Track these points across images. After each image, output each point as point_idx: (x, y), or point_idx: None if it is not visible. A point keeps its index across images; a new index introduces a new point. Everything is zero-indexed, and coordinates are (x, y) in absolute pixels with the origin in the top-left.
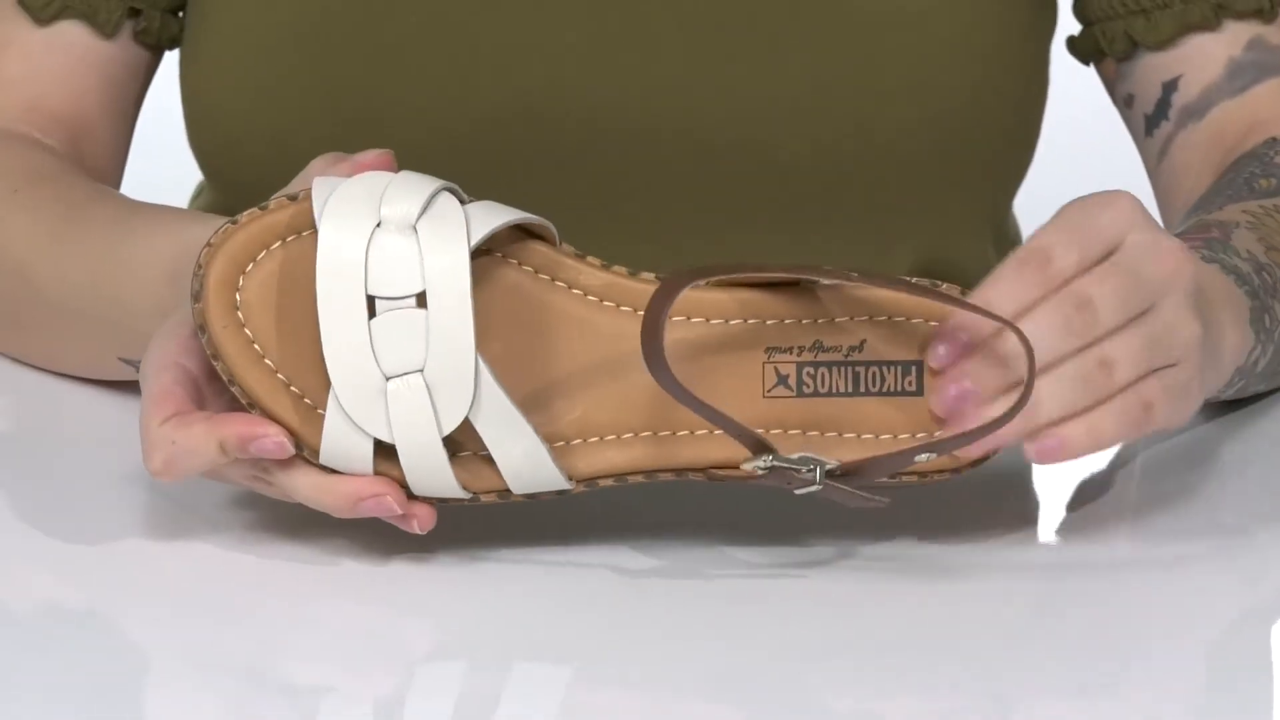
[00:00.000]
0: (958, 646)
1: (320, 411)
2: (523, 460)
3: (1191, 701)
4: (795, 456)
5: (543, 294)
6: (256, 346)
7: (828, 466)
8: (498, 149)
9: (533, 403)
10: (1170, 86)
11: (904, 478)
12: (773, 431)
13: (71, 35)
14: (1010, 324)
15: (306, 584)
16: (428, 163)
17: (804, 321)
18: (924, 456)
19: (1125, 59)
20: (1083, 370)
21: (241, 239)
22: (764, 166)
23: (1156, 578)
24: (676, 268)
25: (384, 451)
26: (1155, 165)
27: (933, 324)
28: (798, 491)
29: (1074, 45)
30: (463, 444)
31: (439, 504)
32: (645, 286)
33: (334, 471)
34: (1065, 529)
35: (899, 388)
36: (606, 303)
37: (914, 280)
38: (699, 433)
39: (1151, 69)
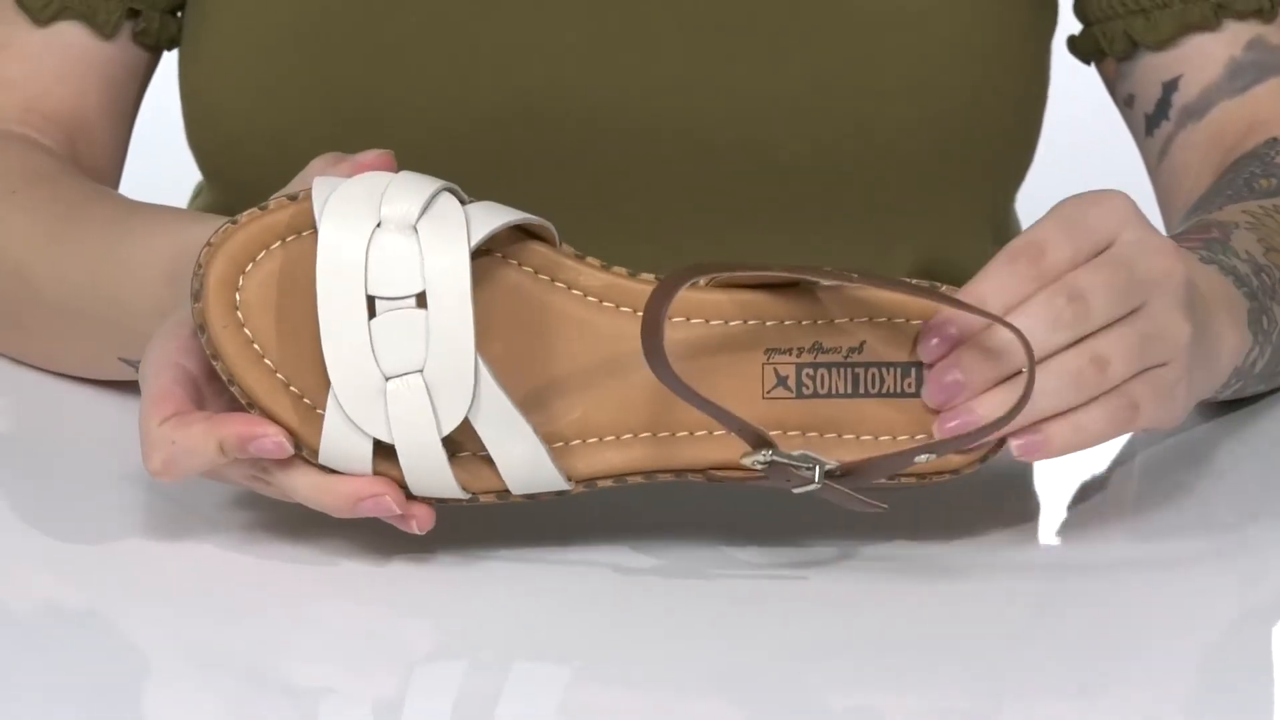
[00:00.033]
0: (958, 646)
1: (319, 411)
2: (522, 461)
3: (1191, 701)
4: (795, 454)
5: (542, 295)
6: (256, 346)
7: (827, 466)
8: (498, 149)
9: (532, 403)
10: (1170, 86)
11: (902, 479)
12: (772, 433)
13: (70, 36)
14: (1012, 326)
15: (306, 584)
16: (428, 163)
17: (803, 323)
18: (923, 457)
19: (1125, 59)
20: (1076, 367)
21: (241, 239)
22: (764, 166)
23: (1156, 578)
24: (676, 267)
25: (383, 451)
26: (1156, 165)
27: None
28: (796, 491)
29: (1074, 45)
30: (462, 444)
31: (437, 504)
32: (645, 287)
33: (333, 471)
34: (1065, 529)
35: (898, 389)
36: (606, 303)
37: (914, 281)
38: (698, 433)
39: (1151, 69)
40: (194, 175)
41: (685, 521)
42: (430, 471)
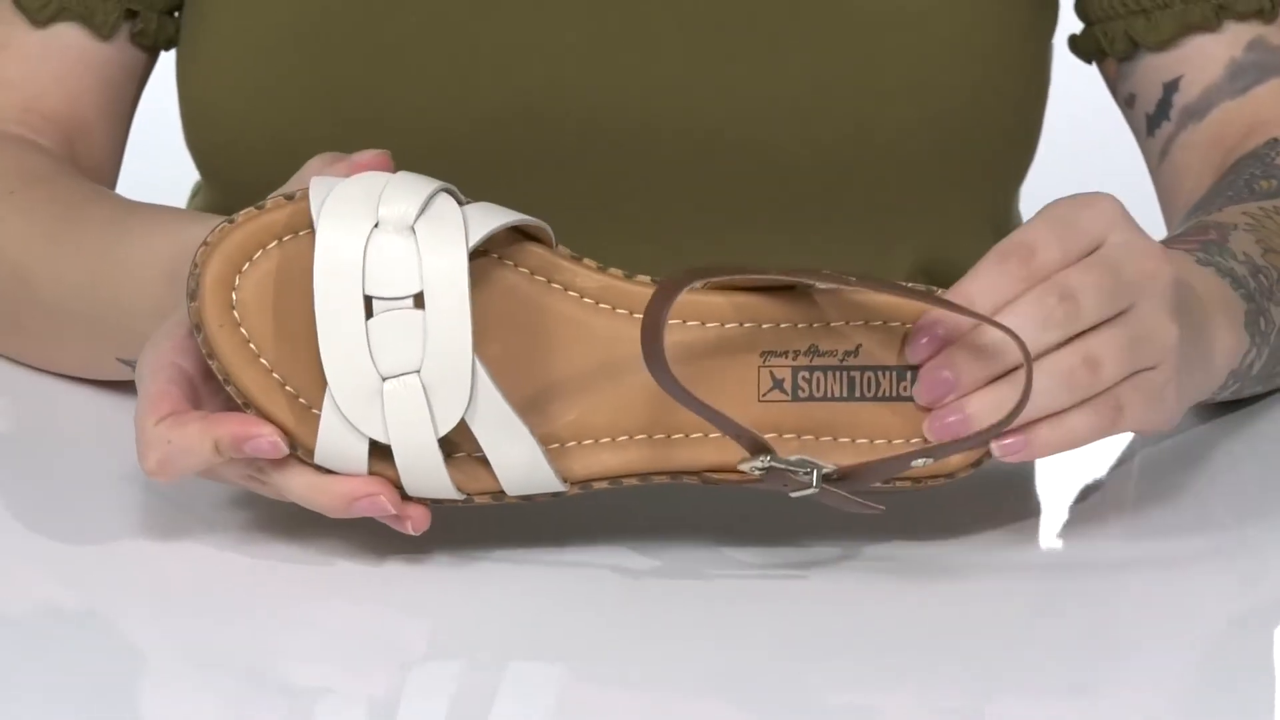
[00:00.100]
0: (957, 646)
1: (315, 411)
2: (518, 462)
3: (1190, 701)
4: (792, 459)
5: (539, 296)
6: (252, 346)
7: (824, 470)
8: (498, 149)
9: (528, 405)
10: (1171, 87)
11: (898, 483)
12: (767, 435)
13: (68, 37)
14: (1009, 330)
15: (303, 584)
16: (427, 163)
17: (799, 325)
18: (920, 462)
19: (1126, 59)
20: (1068, 367)
21: (238, 238)
22: (764, 166)
23: (1155, 578)
24: (675, 269)
25: (379, 452)
26: (1157, 165)
27: None
28: (793, 495)
29: (1075, 44)
30: (458, 445)
31: (432, 505)
32: (641, 289)
33: (328, 471)
34: (1064, 529)
35: (894, 393)
36: (602, 305)
37: (910, 285)
38: (694, 436)
39: (1152, 69)
40: (192, 175)
41: (682, 522)
42: (426, 472)
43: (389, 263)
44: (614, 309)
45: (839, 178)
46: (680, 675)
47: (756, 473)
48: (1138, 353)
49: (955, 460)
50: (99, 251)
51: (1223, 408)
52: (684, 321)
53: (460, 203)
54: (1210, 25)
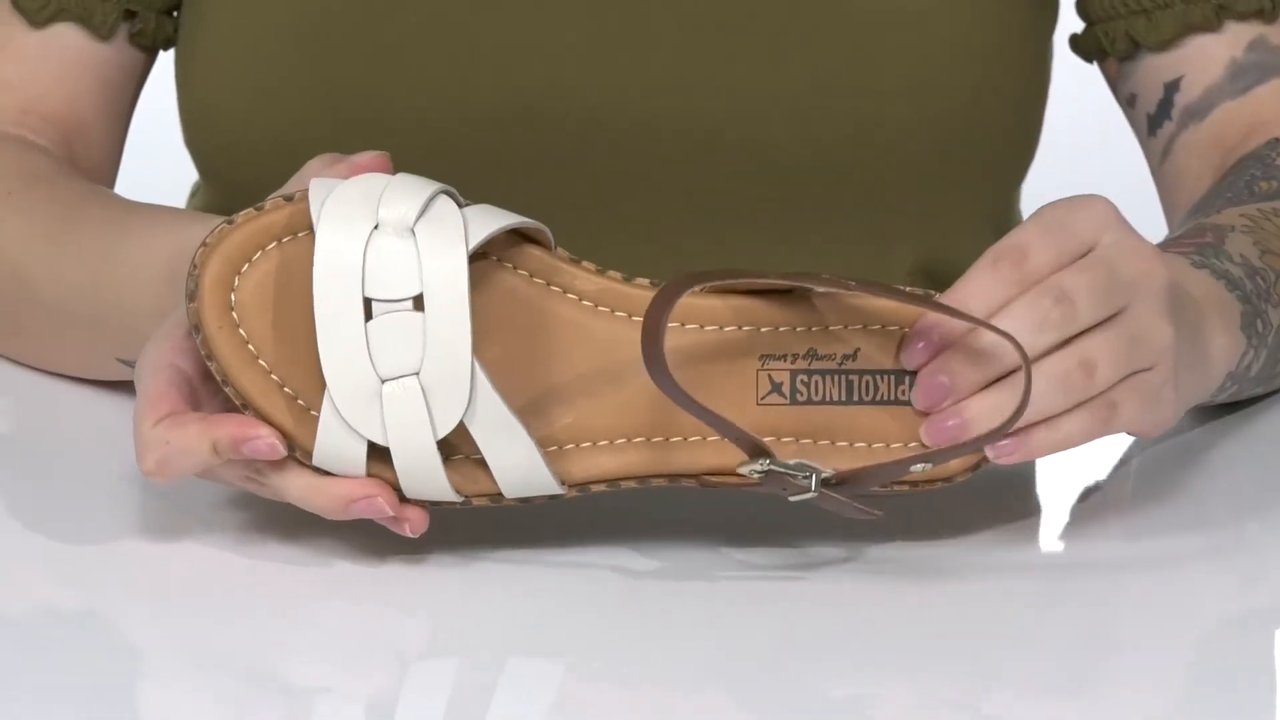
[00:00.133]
0: (957, 646)
1: (314, 413)
2: (517, 465)
3: (1190, 700)
4: (791, 463)
5: (538, 299)
6: (251, 347)
7: (823, 475)
8: (497, 149)
9: (527, 407)
10: (1172, 87)
11: (896, 487)
12: (766, 439)
13: (67, 38)
14: (1008, 335)
15: (302, 584)
16: (427, 163)
17: (798, 329)
18: (919, 467)
19: (1127, 59)
20: (1064, 369)
21: (237, 239)
22: (764, 166)
23: (1155, 578)
24: (675, 271)
25: (377, 454)
26: (1158, 165)
27: None
28: (792, 499)
29: (1076, 43)
30: (456, 447)
31: (430, 507)
32: (639, 292)
33: (327, 473)
34: (1064, 529)
35: (892, 396)
36: (601, 308)
37: (909, 290)
38: (692, 439)
39: (1153, 69)
40: (191, 175)
41: (683, 523)
42: (425, 475)
43: (389, 265)
44: (613, 311)
45: (839, 178)
46: (680, 674)
47: (755, 476)
48: (1133, 354)
49: (953, 464)
50: (99, 252)
51: (1220, 408)
52: (683, 325)
53: (460, 205)
54: (1211, 25)
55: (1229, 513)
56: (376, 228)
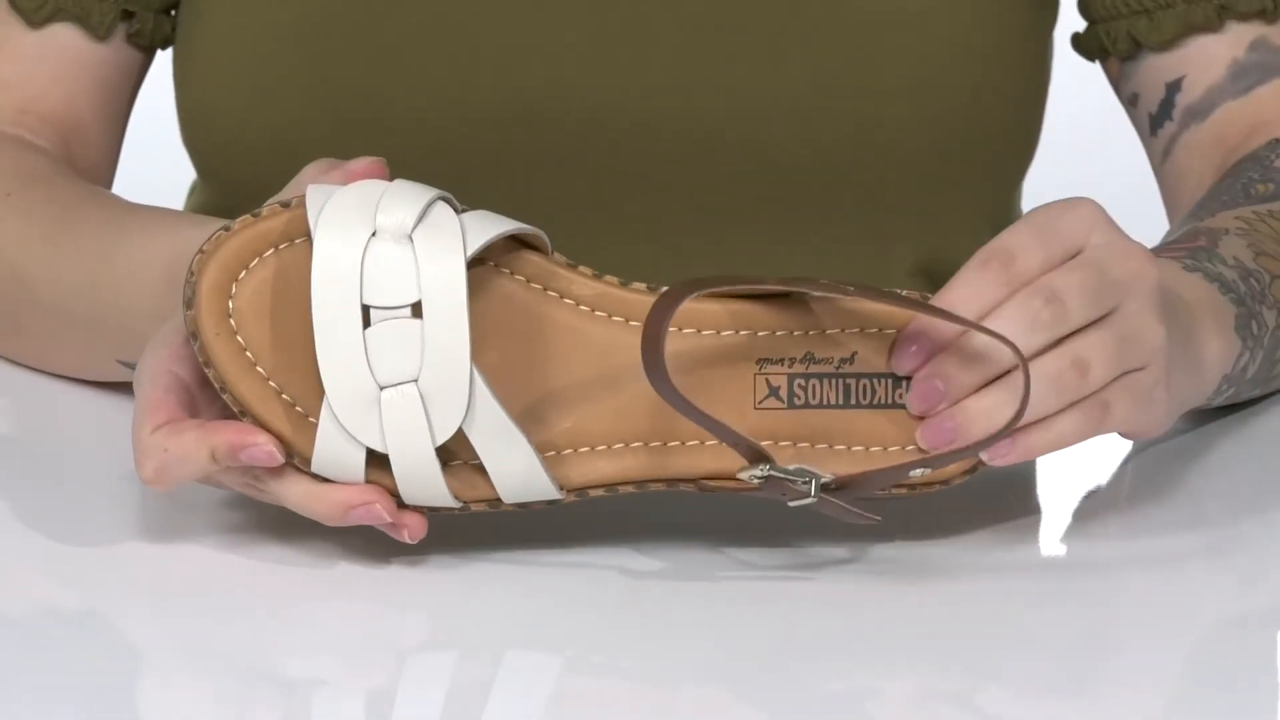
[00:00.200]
0: (957, 645)
1: (312, 420)
2: (515, 470)
3: (1189, 699)
4: (791, 468)
5: (536, 304)
6: (248, 354)
7: (823, 480)
8: (497, 149)
9: (525, 413)
10: (1174, 87)
11: (893, 490)
12: (763, 443)
13: (64, 38)
14: (1006, 340)
15: (303, 584)
16: (427, 163)
17: (795, 333)
18: (919, 471)
19: (1129, 58)
20: (1057, 370)
21: (234, 246)
22: (764, 166)
23: (1154, 578)
24: (675, 271)
25: (376, 460)
26: (1160, 165)
27: None
28: (792, 504)
29: (1078, 43)
30: (455, 453)
31: (429, 513)
32: (636, 296)
33: (325, 480)
34: (1063, 529)
35: (890, 400)
36: (598, 313)
37: (906, 294)
38: (690, 443)
39: (1155, 69)
40: (189, 175)
41: (683, 523)
42: (423, 481)
43: (387, 271)
44: (610, 316)
45: (839, 178)
46: (680, 674)
47: (755, 481)
48: (1125, 353)
49: (951, 468)
50: (97, 252)
51: (1218, 410)
52: (680, 329)
53: (457, 211)
54: (1212, 25)
55: (1227, 513)
56: (374, 234)
